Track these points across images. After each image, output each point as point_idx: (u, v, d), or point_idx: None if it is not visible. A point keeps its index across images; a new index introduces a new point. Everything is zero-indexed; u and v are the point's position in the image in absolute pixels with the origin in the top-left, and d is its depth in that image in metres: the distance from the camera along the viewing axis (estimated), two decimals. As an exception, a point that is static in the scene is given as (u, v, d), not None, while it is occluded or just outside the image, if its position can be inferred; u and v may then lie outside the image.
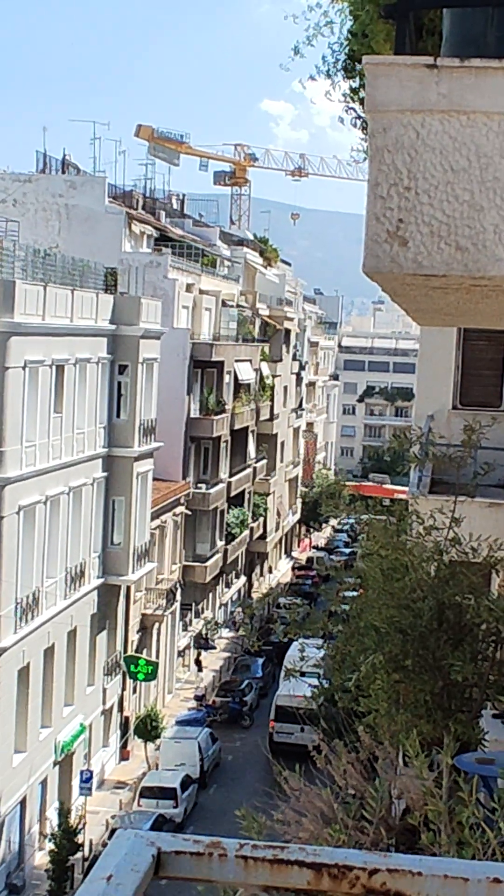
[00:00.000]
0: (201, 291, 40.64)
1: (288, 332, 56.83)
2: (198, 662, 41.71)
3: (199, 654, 42.05)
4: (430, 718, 7.01)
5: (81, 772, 27.69)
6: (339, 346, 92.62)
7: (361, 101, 2.07)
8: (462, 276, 2.45)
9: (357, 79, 2.49)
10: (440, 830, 4.19)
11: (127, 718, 32.69)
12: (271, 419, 52.99)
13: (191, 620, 41.43)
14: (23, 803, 24.76)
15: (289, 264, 67.97)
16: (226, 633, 45.55)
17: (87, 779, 27.29)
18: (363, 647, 8.13)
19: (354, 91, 3.08)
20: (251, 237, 59.84)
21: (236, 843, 1.41)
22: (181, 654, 39.77)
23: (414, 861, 1.41)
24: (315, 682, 14.17)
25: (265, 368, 50.56)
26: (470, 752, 6.58)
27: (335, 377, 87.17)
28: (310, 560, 60.94)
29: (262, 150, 66.63)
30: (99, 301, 27.94)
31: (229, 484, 43.68)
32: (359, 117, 2.29)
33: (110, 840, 1.48)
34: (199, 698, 37.54)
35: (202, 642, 42.43)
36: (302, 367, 64.82)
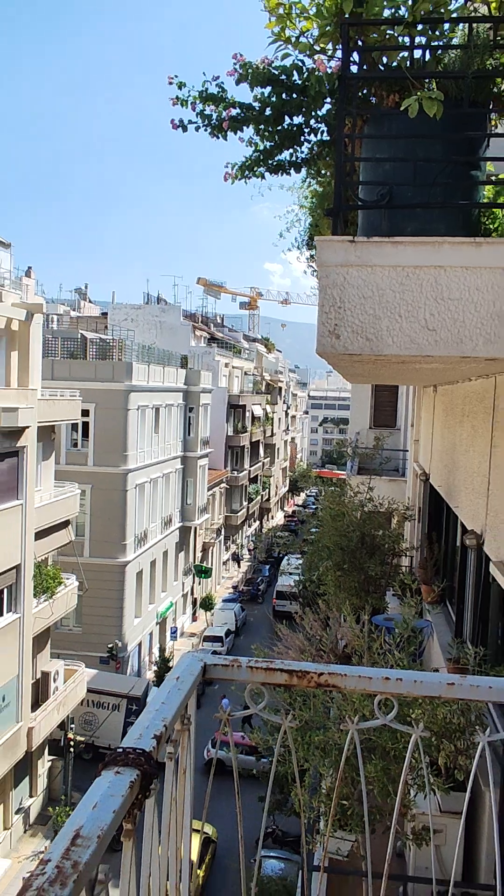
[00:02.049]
0: (233, 367, 63.56)
1: (280, 388, 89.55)
2: (237, 559, 65.19)
3: (238, 562, 65.42)
4: (357, 596, 10.67)
5: (171, 628, 43.20)
6: (308, 395, 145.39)
7: (314, 261, 4.04)
8: (370, 355, 3.78)
9: (313, 250, 4.25)
10: (362, 655, 6.49)
11: (196, 598, 50.30)
12: (272, 435, 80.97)
13: (229, 546, 63.49)
14: (139, 645, 38.41)
15: (280, 351, 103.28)
16: (247, 553, 69.62)
17: (174, 631, 43.16)
18: (321, 558, 12.79)
19: (312, 257, 5.20)
20: (260, 337, 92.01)
21: (247, 660, 2.48)
22: (224, 563, 60.90)
23: (342, 668, 2.43)
24: (297, 577, 24.09)
25: (268, 408, 76.64)
26: (379, 614, 9.81)
27: (306, 412, 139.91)
28: (294, 512, 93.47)
29: (265, 289, 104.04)
30: (177, 373, 43.94)
31: (249, 471, 66.08)
32: (314, 271, 3.94)
33: (180, 659, 2.51)
34: (234, 587, 58.07)
35: (236, 557, 64.97)
36: (288, 407, 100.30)
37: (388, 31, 4.14)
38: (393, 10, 4.03)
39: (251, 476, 67.76)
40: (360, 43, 4.14)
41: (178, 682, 2.24)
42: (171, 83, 4.38)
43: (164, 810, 2.12)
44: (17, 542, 22.75)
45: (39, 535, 24.41)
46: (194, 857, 21.59)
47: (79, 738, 28.42)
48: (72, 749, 27.37)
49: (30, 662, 24.09)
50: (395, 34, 4.11)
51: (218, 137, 4.42)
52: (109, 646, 33.94)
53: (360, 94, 4.18)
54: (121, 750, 1.81)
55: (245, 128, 4.39)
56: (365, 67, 4.18)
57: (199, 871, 21.74)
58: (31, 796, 25.66)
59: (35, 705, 24.70)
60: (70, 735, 27.83)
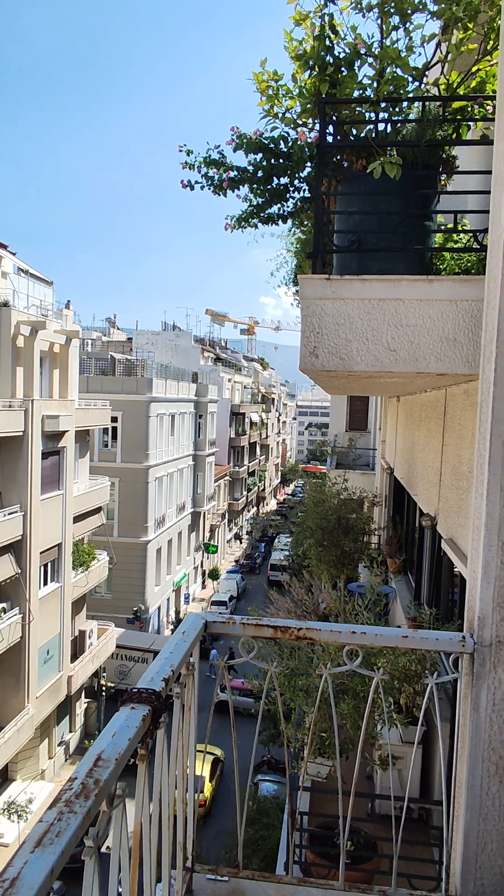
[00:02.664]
0: (235, 382, 63.38)
1: (273, 398, 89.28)
2: (238, 538, 66.38)
3: (240, 540, 66.75)
4: (335, 567, 10.65)
5: (185, 594, 43.37)
6: (296, 405, 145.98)
7: (298, 295, 3.97)
8: (343, 371, 3.76)
9: (297, 286, 4.25)
10: (338, 615, 6.54)
11: (205, 570, 49.84)
12: (266, 437, 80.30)
13: (232, 527, 64.03)
14: (159, 608, 37.79)
15: (273, 369, 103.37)
16: (246, 533, 69.90)
17: (187, 597, 43.34)
18: (305, 537, 12.63)
19: (297, 292, 5.22)
20: (257, 357, 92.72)
21: (240, 617, 2.55)
22: (228, 541, 61.40)
23: (318, 624, 2.54)
24: (286, 552, 24.51)
25: (263, 415, 76.61)
26: (353, 582, 9.78)
27: (294, 418, 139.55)
28: (284, 500, 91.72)
29: (261, 318, 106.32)
30: (189, 387, 43.49)
31: (247, 467, 66.14)
32: (298, 303, 3.92)
33: (185, 617, 2.55)
34: (236, 561, 58.00)
35: (237, 536, 65.79)
36: (280, 414, 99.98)
37: (357, 108, 4.15)
38: (361, 92, 4.04)
39: (249, 470, 67.93)
40: (334, 118, 4.15)
41: (184, 636, 2.25)
42: (180, 150, 4.38)
43: (173, 738, 2.13)
44: (59, 524, 22.75)
45: (77, 518, 24.41)
46: (206, 773, 21.70)
47: (109, 683, 28.42)
48: (103, 693, 27.40)
49: (69, 623, 24.10)
50: (363, 111, 4.12)
51: (219, 195, 4.42)
52: (134, 609, 33.96)
53: (334, 159, 4.18)
54: (136, 690, 1.82)
55: (241, 187, 4.38)
56: (338, 138, 4.19)
57: (210, 783, 21.79)
58: (70, 731, 25.66)
59: (73, 657, 24.71)
60: (102, 682, 27.88)
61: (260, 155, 4.29)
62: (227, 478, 57.13)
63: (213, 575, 48.76)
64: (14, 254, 22.70)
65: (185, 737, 2.31)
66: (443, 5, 3.90)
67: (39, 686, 21.62)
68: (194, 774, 2.55)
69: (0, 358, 19.64)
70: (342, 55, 4.11)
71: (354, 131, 4.20)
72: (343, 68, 4.12)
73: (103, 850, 1.46)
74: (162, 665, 2.01)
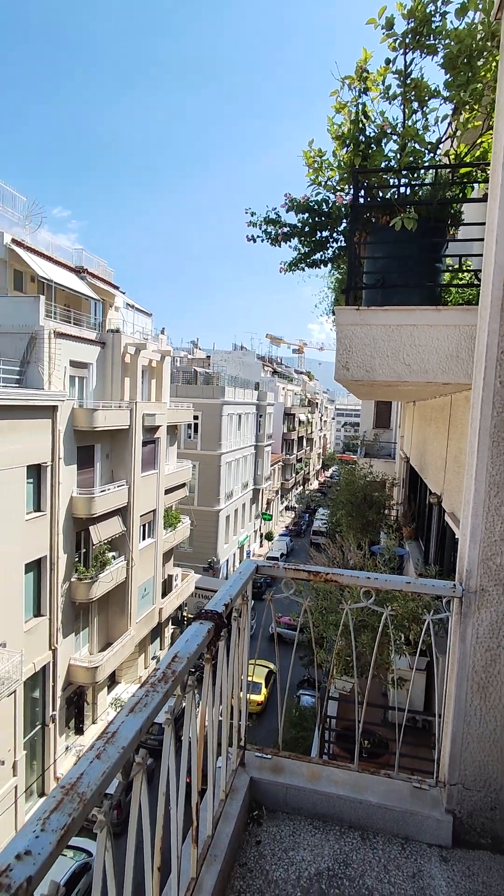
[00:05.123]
0: (287, 389, 63.11)
1: (317, 403, 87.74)
2: (289, 509, 65.76)
3: (290, 511, 65.58)
4: (361, 533, 10.49)
5: (247, 551, 42.58)
6: (335, 408, 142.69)
7: (334, 322, 3.83)
8: (368, 381, 3.64)
9: (335, 315, 4.14)
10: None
11: (262, 533, 49.08)
12: (311, 433, 78.87)
13: (283, 500, 62.54)
14: (227, 561, 37.15)
15: (317, 380, 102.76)
16: (295, 505, 68.63)
17: (248, 553, 42.59)
18: (338, 508, 12.40)
19: (334, 320, 5.05)
20: (305, 371, 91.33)
21: (283, 563, 2.53)
22: (280, 512, 60.23)
23: (340, 570, 2.52)
24: (324, 521, 23.85)
25: (309, 415, 75.86)
26: (375, 545, 9.49)
27: (333, 418, 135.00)
28: (324, 481, 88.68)
29: (309, 340, 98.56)
30: (253, 393, 42.59)
31: (296, 455, 65.31)
32: (334, 329, 3.79)
33: (242, 562, 2.65)
34: (286, 527, 56.09)
35: (288, 508, 64.52)
36: (321, 415, 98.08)
37: (383, 176, 4.08)
38: (386, 162, 3.98)
39: (297, 458, 68.10)
40: (365, 184, 4.10)
41: (240, 575, 2.31)
42: (246, 212, 4.42)
43: (231, 650, 2.21)
44: (154, 495, 23.29)
45: (168, 491, 24.91)
46: (262, 681, 21.75)
47: (189, 615, 28.96)
48: (185, 622, 27.98)
49: (160, 568, 24.69)
50: (388, 177, 4.06)
51: (275, 245, 4.44)
52: (209, 560, 34.45)
53: (364, 216, 4.14)
54: (204, 610, 1.90)
55: (292, 239, 4.39)
56: (368, 199, 4.14)
57: (265, 689, 21.81)
58: (160, 649, 26.28)
59: (163, 594, 25.29)
60: (184, 613, 28.45)
61: (307, 214, 4.28)
62: (280, 463, 57.34)
63: (269, 537, 48.95)
64: (124, 293, 23.26)
65: (240, 650, 2.39)
66: (453, 91, 3.79)
67: (138, 614, 22.29)
68: (247, 679, 2.62)
69: (113, 371, 20.23)
70: (372, 134, 4.05)
71: (381, 194, 4.14)
72: (373, 145, 4.06)
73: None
74: (223, 595, 2.09)
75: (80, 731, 19.31)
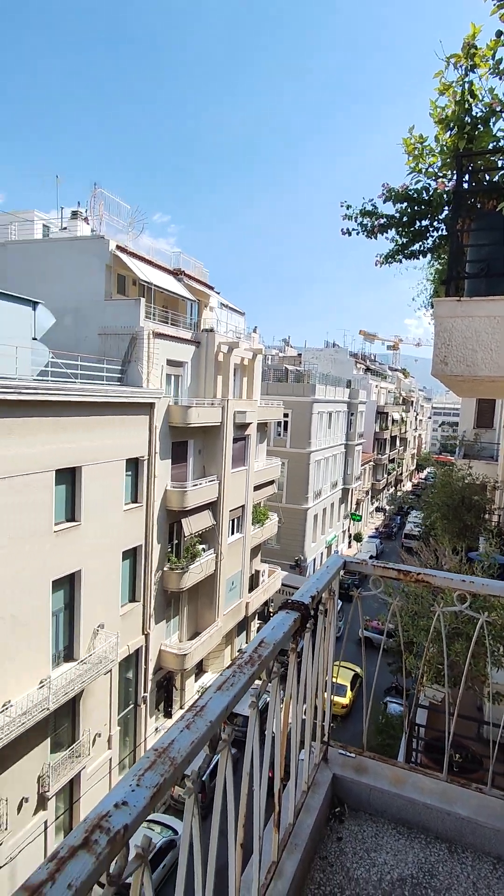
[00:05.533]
0: (380, 387, 61.52)
1: (412, 401, 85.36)
2: (379, 510, 64.08)
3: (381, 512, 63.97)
4: (457, 537, 10.00)
5: (334, 551, 40.86)
6: (432, 406, 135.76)
7: (432, 315, 3.62)
8: (469, 376, 3.45)
9: (433, 308, 3.90)
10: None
11: (351, 534, 48.48)
12: (405, 432, 77.02)
13: (374, 501, 61.47)
14: (314, 560, 36.24)
15: (413, 377, 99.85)
16: (386, 507, 67.01)
17: (335, 553, 37.42)
18: (433, 511, 12.17)
19: (432, 314, 4.71)
20: (400, 368, 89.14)
21: (372, 560, 2.50)
22: (370, 513, 59.17)
23: (432, 571, 2.39)
24: (417, 524, 23.83)
25: (403, 414, 74.14)
26: (473, 551, 8.98)
27: (430, 417, 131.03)
28: (418, 483, 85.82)
29: (404, 336, 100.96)
30: (344, 391, 42.29)
31: (388, 455, 64.13)
32: (432, 323, 3.56)
33: (329, 557, 2.55)
34: (376, 528, 55.29)
35: (379, 509, 63.30)
36: (417, 413, 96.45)
37: (491, 158, 3.84)
38: (494, 144, 3.74)
39: (390, 458, 66.01)
40: (470, 167, 3.88)
41: (327, 569, 2.31)
42: (341, 206, 4.37)
43: (316, 643, 2.21)
44: (244, 491, 23.74)
45: (256, 488, 25.27)
46: (347, 683, 21.40)
47: (274, 611, 29.17)
48: (271, 616, 28.26)
49: (248, 563, 25.12)
50: (496, 159, 3.81)
51: (370, 238, 4.34)
52: (296, 558, 34.52)
53: (469, 202, 3.92)
54: (290, 601, 1.92)
55: (388, 231, 4.27)
56: (473, 184, 3.92)
57: (350, 692, 21.47)
58: (246, 642, 26.74)
59: (250, 589, 25.72)
60: (270, 609, 28.74)
61: (405, 203, 4.15)
62: (371, 463, 55.84)
63: (357, 538, 47.92)
64: (218, 293, 23.90)
65: (326, 645, 2.38)
66: None
67: (226, 606, 22.86)
68: (331, 677, 2.60)
69: (207, 369, 20.87)
70: (479, 114, 3.83)
71: (487, 177, 3.90)
72: (480, 125, 3.84)
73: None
74: (309, 587, 2.10)
75: (168, 714, 20.21)
